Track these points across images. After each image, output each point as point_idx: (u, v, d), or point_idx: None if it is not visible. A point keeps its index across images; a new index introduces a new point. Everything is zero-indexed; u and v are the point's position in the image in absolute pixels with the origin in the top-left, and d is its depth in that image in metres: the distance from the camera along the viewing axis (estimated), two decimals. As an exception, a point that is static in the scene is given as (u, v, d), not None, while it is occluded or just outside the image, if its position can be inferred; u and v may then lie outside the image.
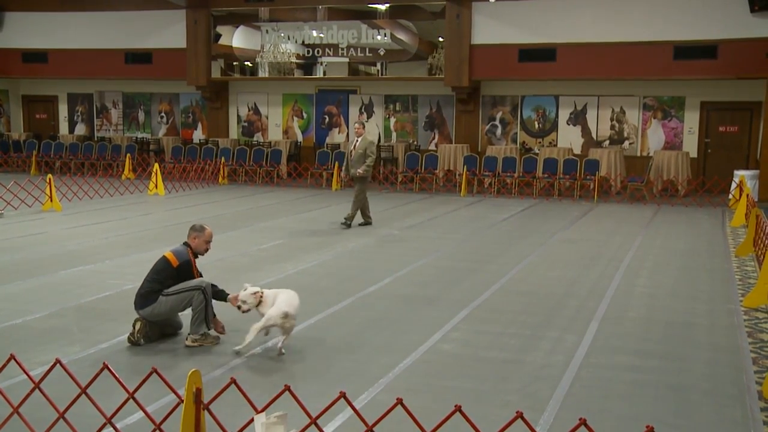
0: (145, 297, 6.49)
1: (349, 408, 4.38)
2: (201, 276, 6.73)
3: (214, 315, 6.64)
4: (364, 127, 12.87)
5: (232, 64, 22.12)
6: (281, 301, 6.24)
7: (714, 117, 18.76)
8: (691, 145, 18.80)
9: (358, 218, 13.10)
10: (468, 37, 19.24)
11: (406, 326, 7.15)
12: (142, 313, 6.49)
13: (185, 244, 6.77)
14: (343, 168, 13.51)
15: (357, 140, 12.75)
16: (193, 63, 21.59)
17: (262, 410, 4.24)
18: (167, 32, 21.93)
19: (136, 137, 23.54)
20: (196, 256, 6.77)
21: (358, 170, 12.65)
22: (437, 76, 19.86)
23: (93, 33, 22.51)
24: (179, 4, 21.31)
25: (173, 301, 6.48)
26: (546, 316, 7.56)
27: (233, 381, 4.33)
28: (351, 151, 12.84)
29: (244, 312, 6.44)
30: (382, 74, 20.81)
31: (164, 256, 6.65)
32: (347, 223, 12.77)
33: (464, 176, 18.14)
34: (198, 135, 23.22)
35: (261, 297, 6.39)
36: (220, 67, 21.93)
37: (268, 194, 17.80)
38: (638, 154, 19.16)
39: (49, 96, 25.06)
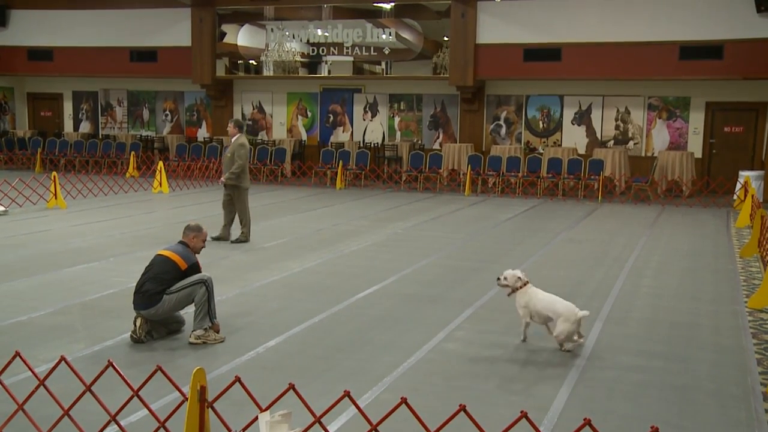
0: (148, 298, 6.46)
1: (353, 407, 4.38)
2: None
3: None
4: (237, 128, 11.14)
5: (236, 62, 22.12)
6: (567, 309, 6.34)
7: (719, 117, 18.70)
8: (695, 145, 18.76)
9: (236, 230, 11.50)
10: (473, 37, 19.22)
11: (410, 325, 7.15)
12: (145, 313, 6.48)
13: (183, 243, 6.78)
14: None
15: (232, 141, 11.19)
16: (198, 61, 21.60)
17: (267, 408, 4.24)
18: (172, 30, 21.94)
19: (141, 135, 23.56)
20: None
21: (221, 179, 11.18)
22: (442, 75, 19.84)
23: (98, 31, 22.53)
24: (185, 3, 21.32)
25: (177, 298, 6.50)
26: (550, 316, 7.54)
27: (237, 379, 4.33)
28: (224, 154, 11.36)
29: (501, 287, 6.67)
30: (386, 73, 20.80)
31: (169, 258, 6.59)
32: (243, 239, 11.23)
33: (468, 175, 18.13)
34: (202, 133, 23.24)
35: (524, 286, 6.54)
36: (224, 66, 21.94)
37: (272, 193, 17.81)
38: (643, 155, 19.12)
39: (54, 94, 25.09)
